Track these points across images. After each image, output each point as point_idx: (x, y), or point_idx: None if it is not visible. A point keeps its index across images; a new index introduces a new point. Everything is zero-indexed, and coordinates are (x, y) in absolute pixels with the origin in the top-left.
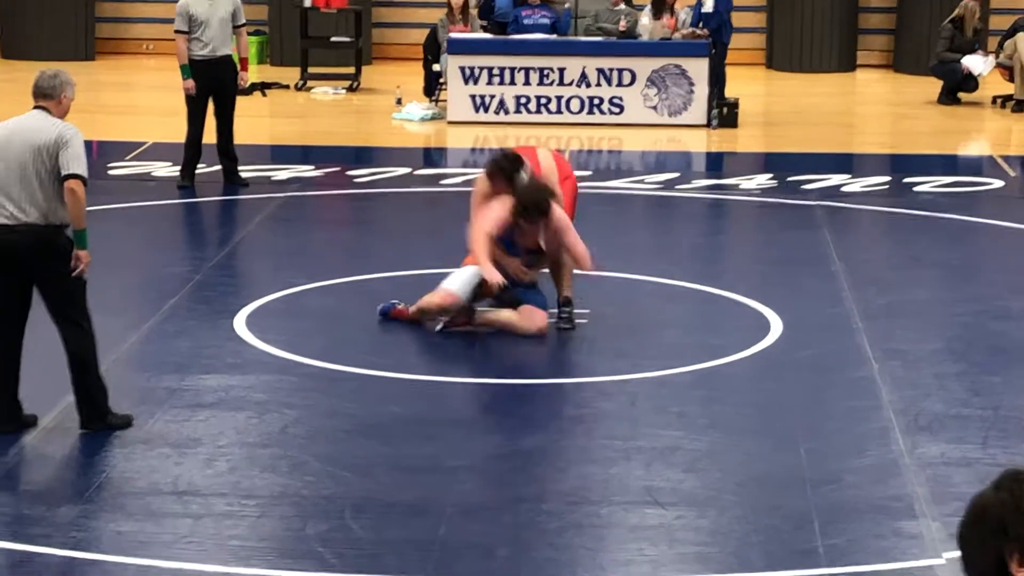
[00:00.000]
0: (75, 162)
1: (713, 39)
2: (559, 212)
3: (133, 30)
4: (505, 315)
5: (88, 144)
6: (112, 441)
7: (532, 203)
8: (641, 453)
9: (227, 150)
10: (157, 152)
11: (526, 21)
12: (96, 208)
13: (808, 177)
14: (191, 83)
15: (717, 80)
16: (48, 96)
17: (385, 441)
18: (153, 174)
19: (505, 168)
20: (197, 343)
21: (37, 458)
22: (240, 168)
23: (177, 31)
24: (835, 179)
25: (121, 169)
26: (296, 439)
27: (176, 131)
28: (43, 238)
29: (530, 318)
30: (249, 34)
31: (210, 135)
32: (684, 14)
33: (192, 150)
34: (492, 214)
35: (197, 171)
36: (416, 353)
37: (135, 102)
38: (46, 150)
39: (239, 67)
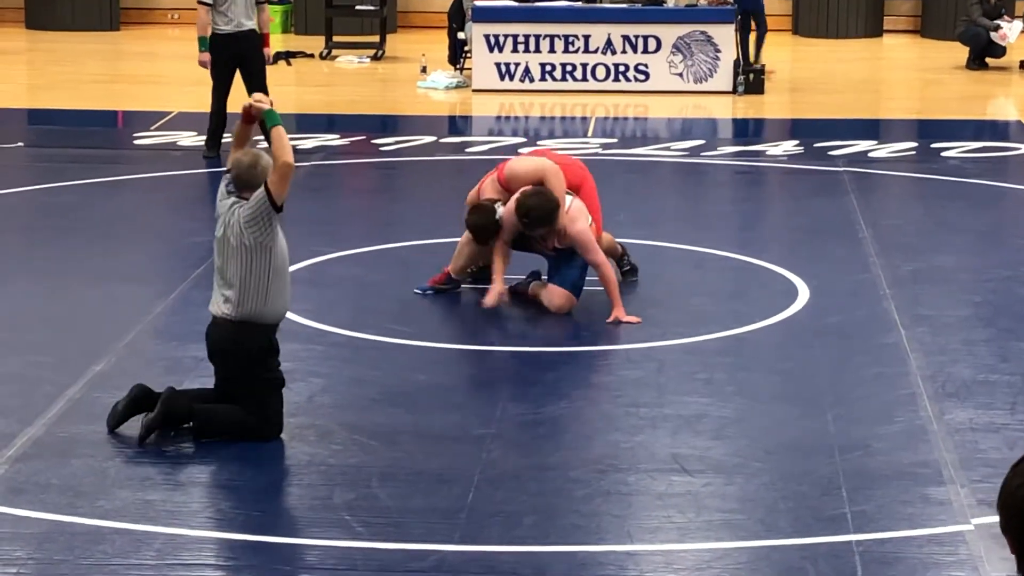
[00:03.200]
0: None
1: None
2: (576, 229)
3: (158, 0)
4: (533, 288)
5: (113, 114)
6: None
7: (534, 217)
8: (668, 420)
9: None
10: (182, 122)
11: None
12: (122, 178)
13: (835, 143)
14: (207, 56)
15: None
16: (251, 186)
17: (411, 409)
18: (178, 143)
19: (483, 227)
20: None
21: (65, 430)
22: (263, 137)
23: (201, 2)
24: (862, 145)
25: (146, 139)
26: (323, 408)
27: (201, 101)
28: (231, 333)
29: (549, 297)
30: (274, 3)
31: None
32: None
33: (216, 120)
34: (504, 225)
35: (222, 141)
36: (442, 321)
37: (160, 72)
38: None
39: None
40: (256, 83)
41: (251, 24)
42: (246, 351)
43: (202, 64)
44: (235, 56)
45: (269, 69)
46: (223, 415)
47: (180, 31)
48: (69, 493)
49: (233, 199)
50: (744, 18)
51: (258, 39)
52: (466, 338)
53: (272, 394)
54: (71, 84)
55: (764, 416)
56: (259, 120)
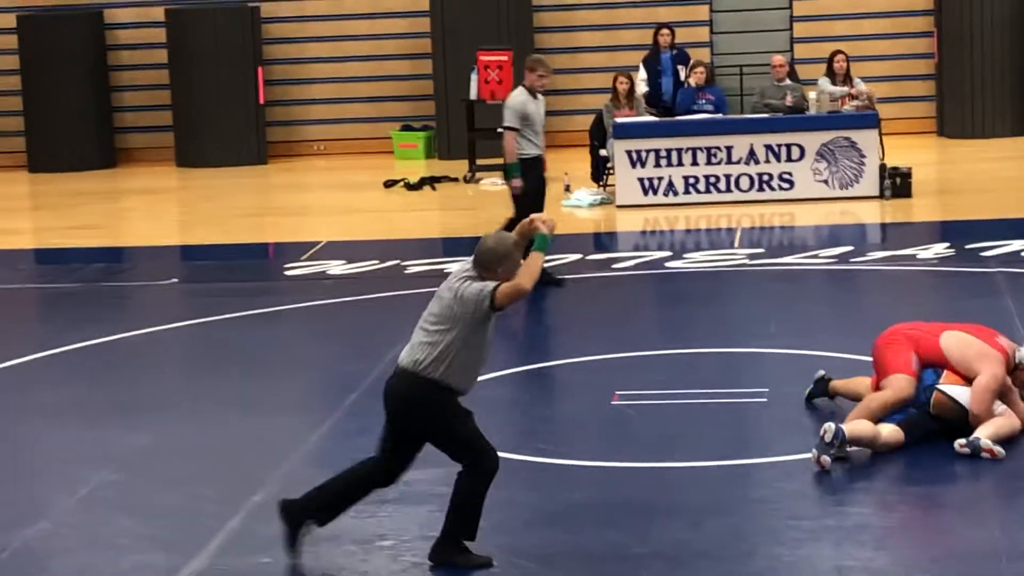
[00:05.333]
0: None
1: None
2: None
3: (304, 132)
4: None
5: (263, 246)
6: (300, 539)
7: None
8: (829, 532)
9: None
10: (331, 251)
11: (693, 107)
12: (274, 309)
13: (986, 244)
14: (519, 182)
15: None
16: (484, 266)
17: (566, 529)
18: (328, 272)
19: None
20: (378, 439)
21: (227, 562)
22: (413, 262)
23: (508, 127)
24: (1015, 244)
25: (297, 269)
26: (478, 531)
27: (349, 230)
28: (405, 383)
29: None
30: (417, 129)
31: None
32: (861, 84)
33: None
34: None
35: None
36: (595, 439)
37: (307, 203)
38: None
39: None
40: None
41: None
42: (411, 404)
43: (515, 190)
44: (538, 180)
45: (416, 194)
46: (329, 488)
47: (326, 162)
48: None
49: (467, 269)
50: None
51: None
52: (620, 455)
53: (462, 427)
54: (221, 219)
55: (928, 525)
56: (530, 238)
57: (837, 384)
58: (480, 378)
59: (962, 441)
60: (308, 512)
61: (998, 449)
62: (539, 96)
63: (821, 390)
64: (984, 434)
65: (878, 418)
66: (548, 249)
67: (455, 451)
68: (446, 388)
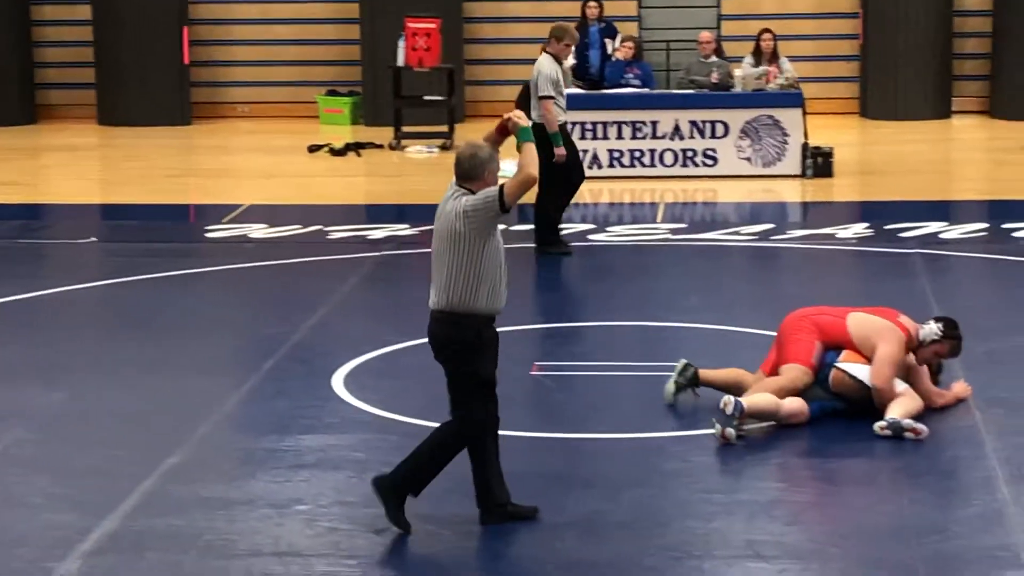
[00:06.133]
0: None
1: None
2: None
3: (228, 94)
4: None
5: (184, 207)
6: (213, 503)
7: None
8: (742, 506)
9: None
10: (253, 214)
11: (620, 81)
12: (194, 271)
13: (905, 225)
14: (563, 150)
15: None
16: (469, 177)
17: None
18: (249, 236)
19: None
20: (296, 403)
21: (140, 523)
22: (335, 228)
23: (545, 96)
24: (933, 226)
25: (218, 232)
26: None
27: (271, 193)
28: (442, 326)
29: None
30: (343, 94)
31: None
32: (787, 64)
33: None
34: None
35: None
36: (514, 409)
37: (230, 165)
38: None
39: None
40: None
41: None
42: (454, 344)
43: (559, 159)
44: (569, 147)
45: (340, 160)
46: (415, 457)
47: (251, 124)
48: None
49: (456, 189)
50: None
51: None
52: (539, 426)
53: (475, 391)
54: (143, 179)
55: (839, 500)
56: (514, 134)
57: (708, 374)
58: (399, 345)
59: (883, 423)
60: (398, 485)
61: (921, 427)
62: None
63: (688, 381)
64: (898, 414)
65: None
66: (532, 138)
67: (461, 396)
68: (485, 316)
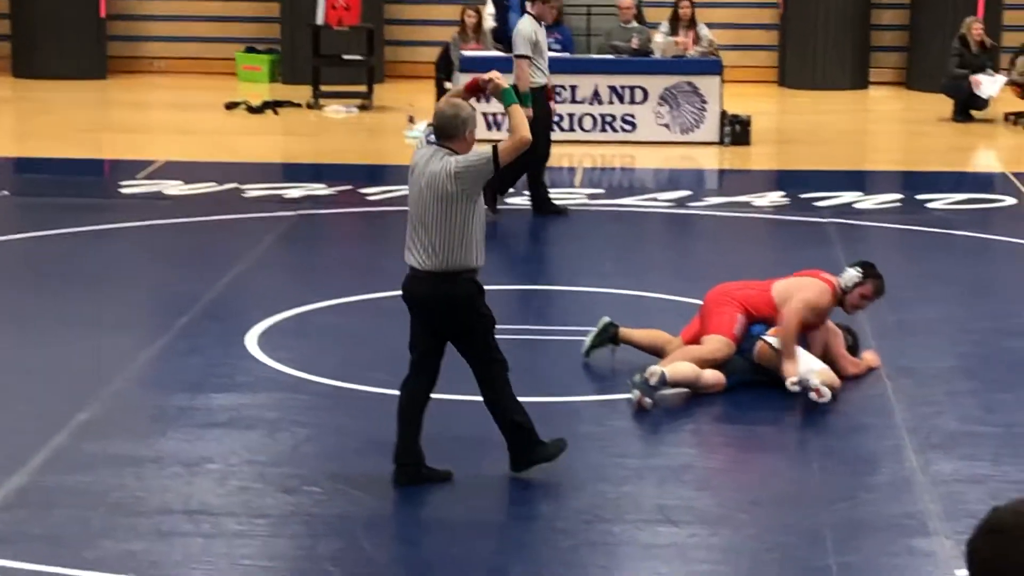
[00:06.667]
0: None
1: None
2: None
3: (145, 48)
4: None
5: (99, 163)
6: (123, 460)
7: None
8: (655, 471)
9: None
10: (168, 171)
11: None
12: (107, 227)
13: (820, 194)
14: (530, 111)
15: None
16: (451, 136)
17: None
18: (164, 192)
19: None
20: (209, 361)
21: (48, 479)
22: (251, 186)
23: (520, 56)
24: (847, 196)
25: (133, 187)
26: (307, 457)
27: (187, 149)
28: (440, 286)
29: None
30: (262, 52)
31: None
32: (705, 30)
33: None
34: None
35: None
36: None
37: (147, 120)
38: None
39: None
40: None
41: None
42: (458, 300)
43: (530, 119)
44: (547, 108)
45: (258, 118)
46: (512, 434)
47: (168, 80)
48: (52, 543)
49: (436, 149)
50: None
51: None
52: (453, 388)
53: (490, 332)
54: (57, 132)
55: (750, 467)
56: (495, 97)
57: (629, 332)
58: (314, 305)
59: (794, 379)
60: (532, 459)
61: (824, 391)
62: (543, 25)
63: (607, 338)
64: (813, 376)
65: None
66: (517, 99)
67: (481, 344)
68: (477, 270)
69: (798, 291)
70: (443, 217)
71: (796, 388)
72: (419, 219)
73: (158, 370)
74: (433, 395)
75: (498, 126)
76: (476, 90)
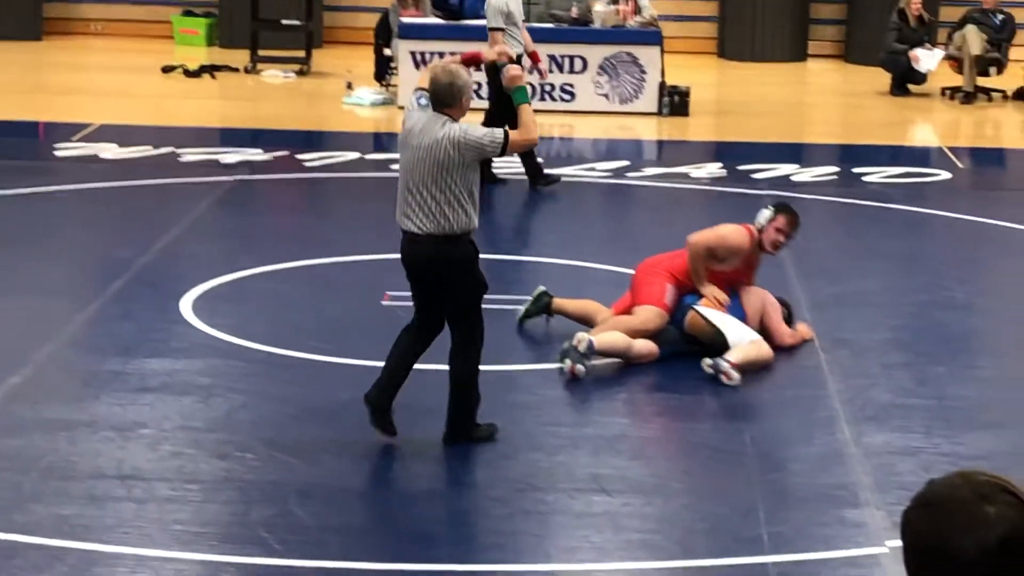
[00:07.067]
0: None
1: None
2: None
3: (82, 11)
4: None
5: (34, 124)
6: (55, 424)
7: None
8: (588, 440)
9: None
10: (104, 133)
11: (480, 12)
12: (41, 189)
13: (758, 166)
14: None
15: None
16: (448, 104)
17: (331, 426)
18: (100, 156)
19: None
20: (143, 326)
21: None
22: (188, 150)
23: (494, 28)
24: (785, 168)
25: (68, 150)
26: (241, 424)
27: (123, 112)
28: (441, 248)
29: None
30: (199, 15)
31: None
32: (645, 1)
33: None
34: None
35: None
36: (364, 338)
37: (82, 83)
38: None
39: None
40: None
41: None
42: (459, 262)
43: (506, 90)
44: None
45: (195, 82)
46: (456, 399)
47: (104, 42)
48: None
49: (434, 114)
50: None
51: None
52: (385, 355)
53: (479, 300)
54: None
55: (683, 437)
56: (506, 90)
57: (562, 303)
58: (250, 271)
59: (708, 361)
60: (458, 429)
61: (734, 375)
62: None
63: (541, 308)
64: (733, 358)
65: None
66: (528, 99)
67: (468, 308)
68: (473, 232)
69: (713, 230)
70: (446, 181)
71: (711, 371)
72: (419, 183)
73: (92, 334)
74: (378, 363)
75: (478, 95)
76: (473, 62)
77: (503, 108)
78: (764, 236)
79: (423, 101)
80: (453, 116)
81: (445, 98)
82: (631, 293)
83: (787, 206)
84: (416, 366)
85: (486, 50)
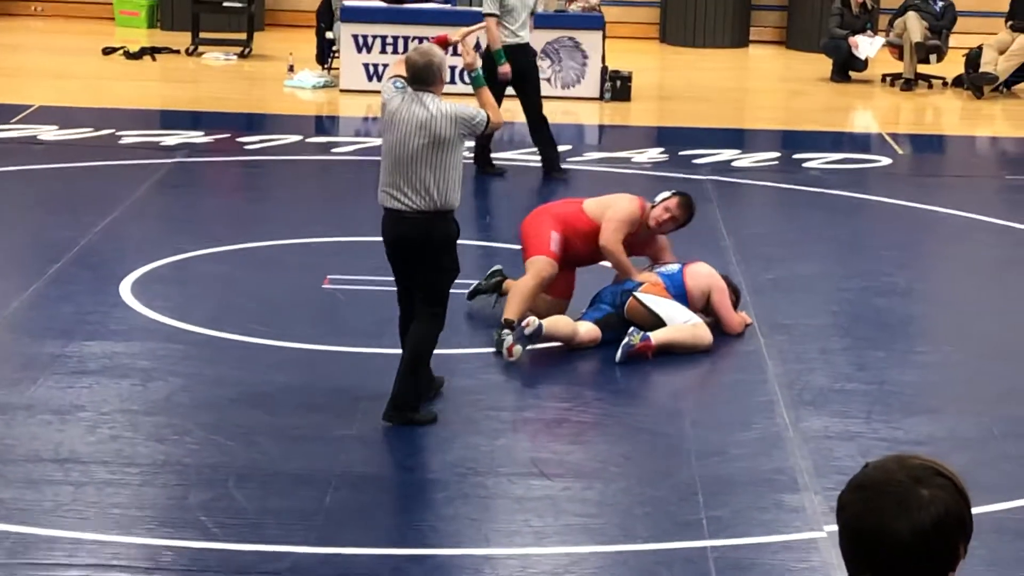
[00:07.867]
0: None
1: None
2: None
3: None
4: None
5: None
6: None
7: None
8: (528, 424)
9: (546, 138)
10: (43, 115)
11: None
12: None
13: (699, 151)
14: (507, 67)
15: None
16: (427, 82)
17: (270, 410)
18: (39, 137)
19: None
20: (82, 309)
21: None
22: (128, 132)
23: (488, 14)
24: (726, 154)
25: (6, 132)
26: (180, 407)
27: (63, 94)
28: (428, 224)
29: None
30: None
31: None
32: None
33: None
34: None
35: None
36: (304, 322)
37: (21, 64)
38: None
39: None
40: (531, 103)
41: (527, 36)
42: (442, 239)
43: (503, 76)
44: (515, 70)
45: (135, 64)
46: (404, 376)
47: (44, 23)
48: None
49: (416, 93)
50: None
51: (533, 52)
52: (328, 339)
53: (451, 284)
54: None
55: (623, 421)
56: (467, 75)
57: (512, 284)
58: (190, 254)
59: (620, 356)
60: (399, 407)
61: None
62: None
63: (492, 286)
64: (658, 337)
65: (533, 303)
66: (484, 82)
67: (439, 292)
68: (454, 211)
69: (607, 208)
70: (437, 159)
71: (621, 358)
72: (408, 162)
73: (29, 317)
74: (318, 347)
75: (378, 76)
76: (443, 44)
77: (496, 94)
78: (652, 210)
79: (399, 84)
80: (435, 92)
81: (425, 77)
82: (522, 249)
83: (686, 194)
84: (362, 349)
85: (451, 33)
